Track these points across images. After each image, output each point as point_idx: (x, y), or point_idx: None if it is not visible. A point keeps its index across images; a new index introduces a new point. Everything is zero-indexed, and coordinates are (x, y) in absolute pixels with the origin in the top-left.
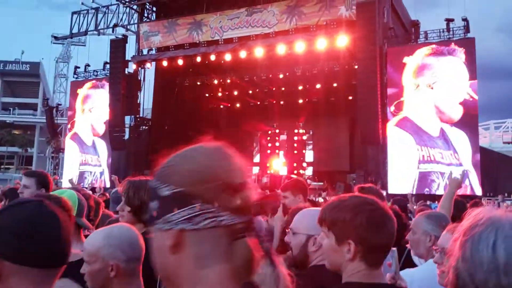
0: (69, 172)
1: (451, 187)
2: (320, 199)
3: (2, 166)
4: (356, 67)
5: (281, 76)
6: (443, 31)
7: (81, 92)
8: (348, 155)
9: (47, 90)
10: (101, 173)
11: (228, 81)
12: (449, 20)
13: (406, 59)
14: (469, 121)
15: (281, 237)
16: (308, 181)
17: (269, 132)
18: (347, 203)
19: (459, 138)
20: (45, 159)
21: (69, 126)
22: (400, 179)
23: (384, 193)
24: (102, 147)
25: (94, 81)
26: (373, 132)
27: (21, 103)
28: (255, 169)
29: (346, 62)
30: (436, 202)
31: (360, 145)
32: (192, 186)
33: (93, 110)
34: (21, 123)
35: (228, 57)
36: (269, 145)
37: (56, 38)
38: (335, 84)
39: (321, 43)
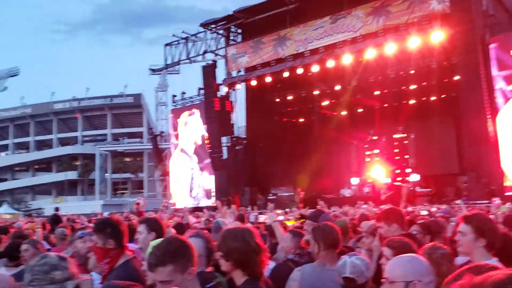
0: (177, 193)
1: None
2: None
3: (117, 192)
4: (455, 61)
5: (372, 80)
6: None
7: (180, 120)
8: (456, 156)
9: (150, 118)
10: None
11: (317, 92)
12: None
13: None
14: None
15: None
16: (417, 188)
17: (367, 139)
18: (492, 279)
19: None
20: (154, 183)
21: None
22: None
23: (498, 200)
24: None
25: (188, 111)
26: (482, 131)
27: (129, 132)
28: (355, 180)
29: (443, 58)
30: None
31: (469, 144)
32: None
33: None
34: (131, 151)
35: (315, 68)
36: (367, 152)
37: (153, 70)
38: (433, 82)
39: (414, 42)
